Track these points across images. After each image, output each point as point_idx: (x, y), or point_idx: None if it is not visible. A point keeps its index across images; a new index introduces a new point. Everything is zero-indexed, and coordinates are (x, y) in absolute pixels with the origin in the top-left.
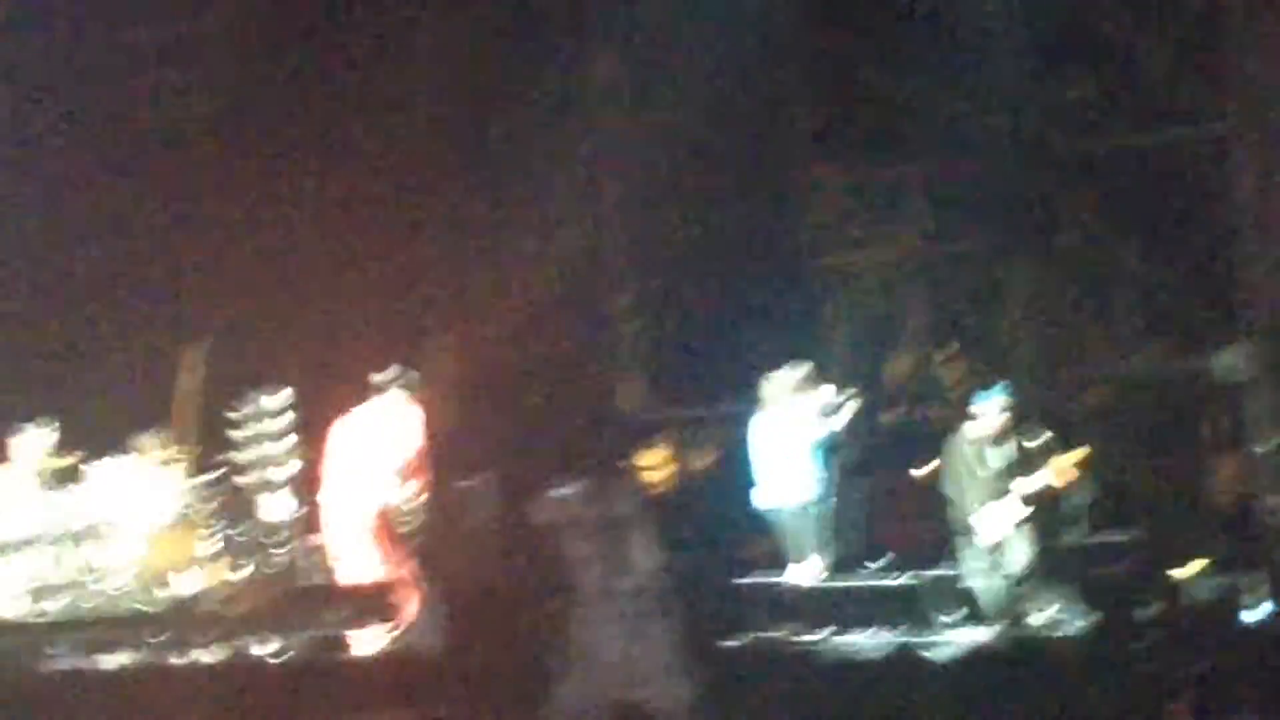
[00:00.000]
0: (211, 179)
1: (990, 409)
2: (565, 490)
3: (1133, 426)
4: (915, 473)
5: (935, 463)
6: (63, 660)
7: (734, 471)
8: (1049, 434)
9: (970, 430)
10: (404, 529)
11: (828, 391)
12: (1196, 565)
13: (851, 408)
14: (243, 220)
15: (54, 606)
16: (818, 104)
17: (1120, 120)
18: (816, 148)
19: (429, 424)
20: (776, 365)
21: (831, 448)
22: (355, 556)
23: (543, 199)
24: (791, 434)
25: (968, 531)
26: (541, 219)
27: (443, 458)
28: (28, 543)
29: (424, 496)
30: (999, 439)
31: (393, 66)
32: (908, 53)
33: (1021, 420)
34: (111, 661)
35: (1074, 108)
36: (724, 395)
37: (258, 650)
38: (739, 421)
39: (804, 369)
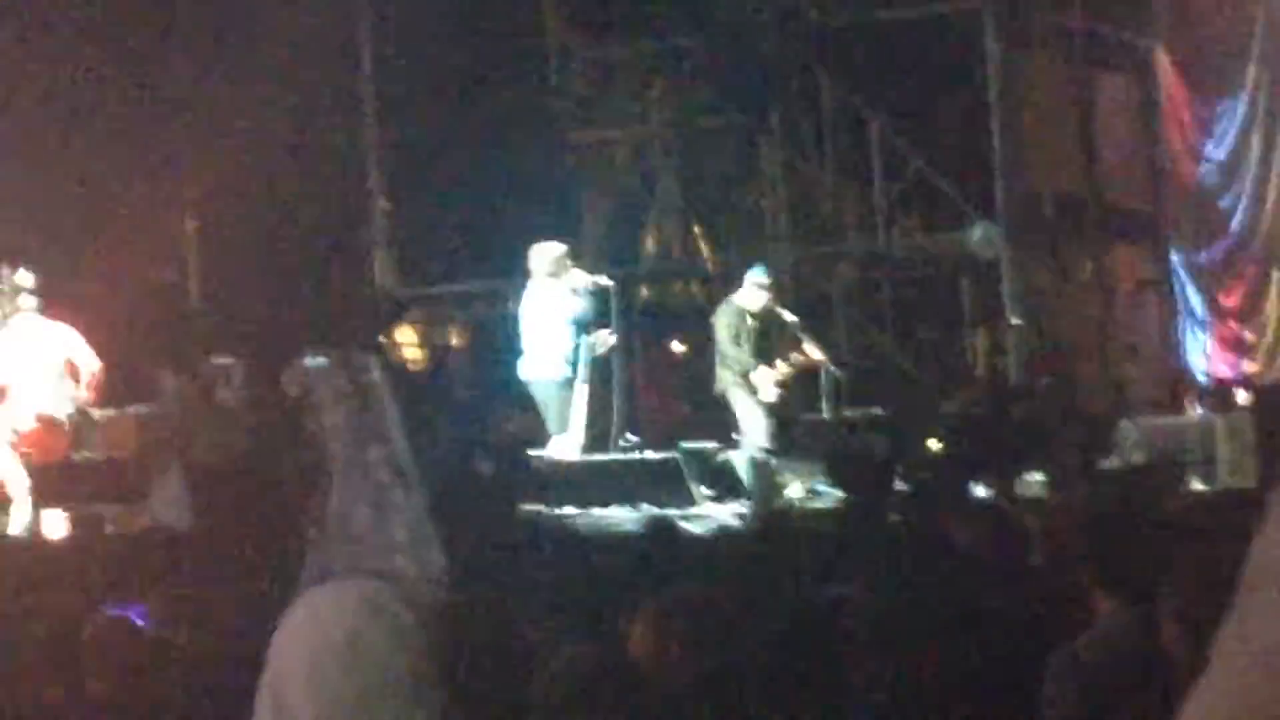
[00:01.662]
0: None
1: (751, 283)
2: (317, 361)
3: (883, 303)
4: (674, 347)
5: (689, 337)
6: None
7: (490, 347)
8: (793, 316)
9: (731, 304)
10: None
11: (581, 272)
12: (938, 441)
13: (598, 287)
14: None
15: None
16: None
17: None
18: (571, 20)
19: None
20: (533, 241)
21: (587, 323)
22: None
23: (298, 70)
24: (551, 309)
25: (728, 405)
26: (300, 93)
27: (195, 333)
28: None
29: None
30: (759, 314)
31: None
32: None
33: (768, 295)
34: None
35: None
36: (477, 271)
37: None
38: (493, 298)
39: (562, 246)
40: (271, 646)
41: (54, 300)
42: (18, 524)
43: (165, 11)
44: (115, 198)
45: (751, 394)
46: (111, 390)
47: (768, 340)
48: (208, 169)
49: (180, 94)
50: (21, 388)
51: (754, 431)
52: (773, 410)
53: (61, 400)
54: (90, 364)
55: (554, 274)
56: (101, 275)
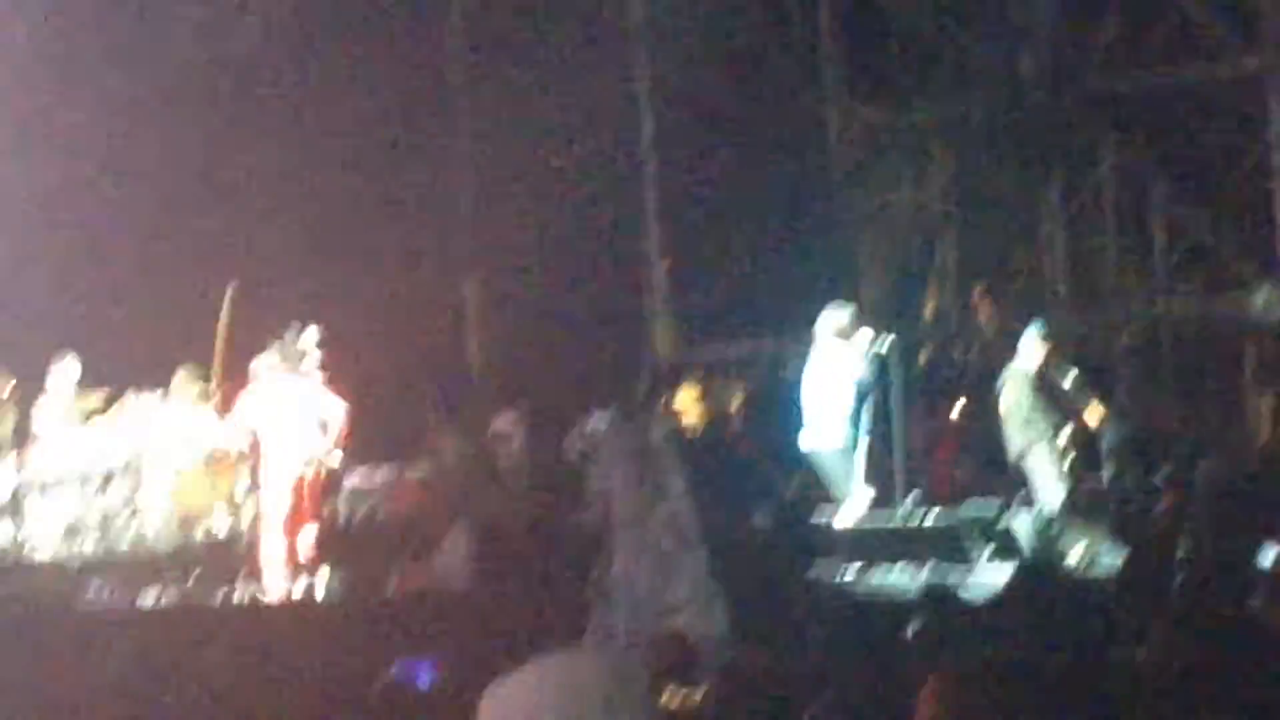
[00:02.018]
0: (252, 118)
1: (1031, 345)
2: (599, 423)
3: (1167, 366)
4: (955, 411)
5: (967, 400)
6: (97, 599)
7: (770, 410)
8: (1079, 373)
9: (1015, 367)
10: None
11: (866, 333)
12: (1229, 506)
13: (890, 349)
14: (281, 160)
15: (88, 545)
16: (851, 44)
17: (1156, 56)
18: (850, 88)
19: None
20: (811, 305)
21: (870, 389)
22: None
23: (579, 139)
24: (836, 373)
25: (1018, 469)
26: (580, 157)
27: (477, 395)
28: (61, 481)
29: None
30: (1040, 376)
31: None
32: None
33: (1049, 359)
34: (146, 600)
35: (1109, 44)
36: (756, 334)
37: (291, 590)
38: (772, 361)
39: (848, 310)
40: (497, 705)
41: (336, 362)
42: (276, 586)
43: (442, 74)
44: (398, 262)
45: (1048, 458)
46: (394, 452)
47: (1050, 403)
48: (490, 233)
49: (463, 158)
50: (273, 443)
51: (1048, 495)
52: (1066, 474)
53: (310, 456)
54: (339, 420)
55: (841, 337)
56: (384, 337)
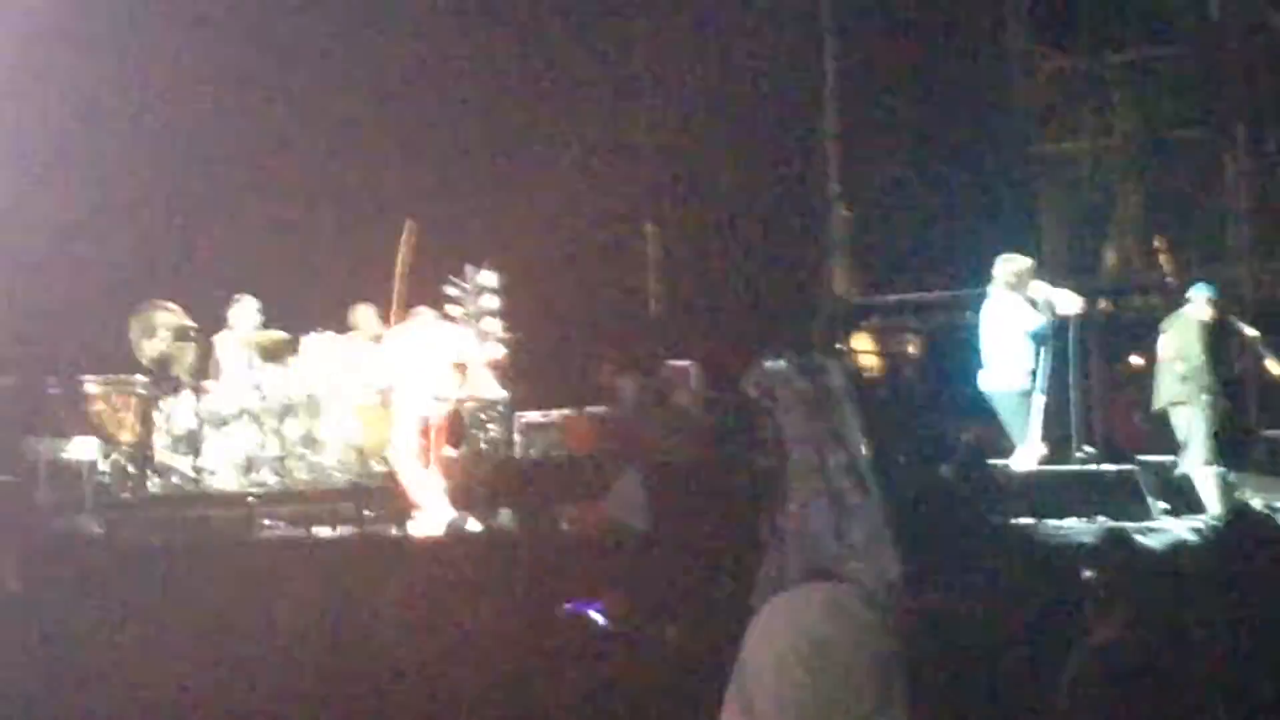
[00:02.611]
0: (430, 58)
1: (1201, 299)
2: (776, 365)
3: None
4: (1133, 360)
5: (1148, 351)
6: (275, 531)
7: (947, 355)
8: (1254, 330)
9: (1182, 319)
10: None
11: (1044, 284)
12: None
13: (1070, 298)
14: (461, 100)
15: (267, 478)
16: None
17: None
18: (1035, 31)
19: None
20: (991, 252)
21: (1047, 338)
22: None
23: (760, 77)
24: (1012, 321)
25: (1190, 419)
26: (761, 102)
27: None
28: (241, 415)
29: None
30: (1208, 329)
31: None
32: None
33: (1229, 310)
34: (324, 533)
35: None
36: (935, 280)
37: (466, 525)
38: (950, 307)
39: (1025, 261)
40: (743, 650)
41: (516, 302)
42: (435, 523)
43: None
44: (579, 201)
45: (1205, 410)
46: (571, 390)
47: (1218, 355)
48: (669, 175)
49: (643, 103)
50: (411, 384)
51: (1200, 448)
52: (1224, 426)
53: (445, 396)
54: (477, 361)
55: (1017, 286)
56: (562, 278)
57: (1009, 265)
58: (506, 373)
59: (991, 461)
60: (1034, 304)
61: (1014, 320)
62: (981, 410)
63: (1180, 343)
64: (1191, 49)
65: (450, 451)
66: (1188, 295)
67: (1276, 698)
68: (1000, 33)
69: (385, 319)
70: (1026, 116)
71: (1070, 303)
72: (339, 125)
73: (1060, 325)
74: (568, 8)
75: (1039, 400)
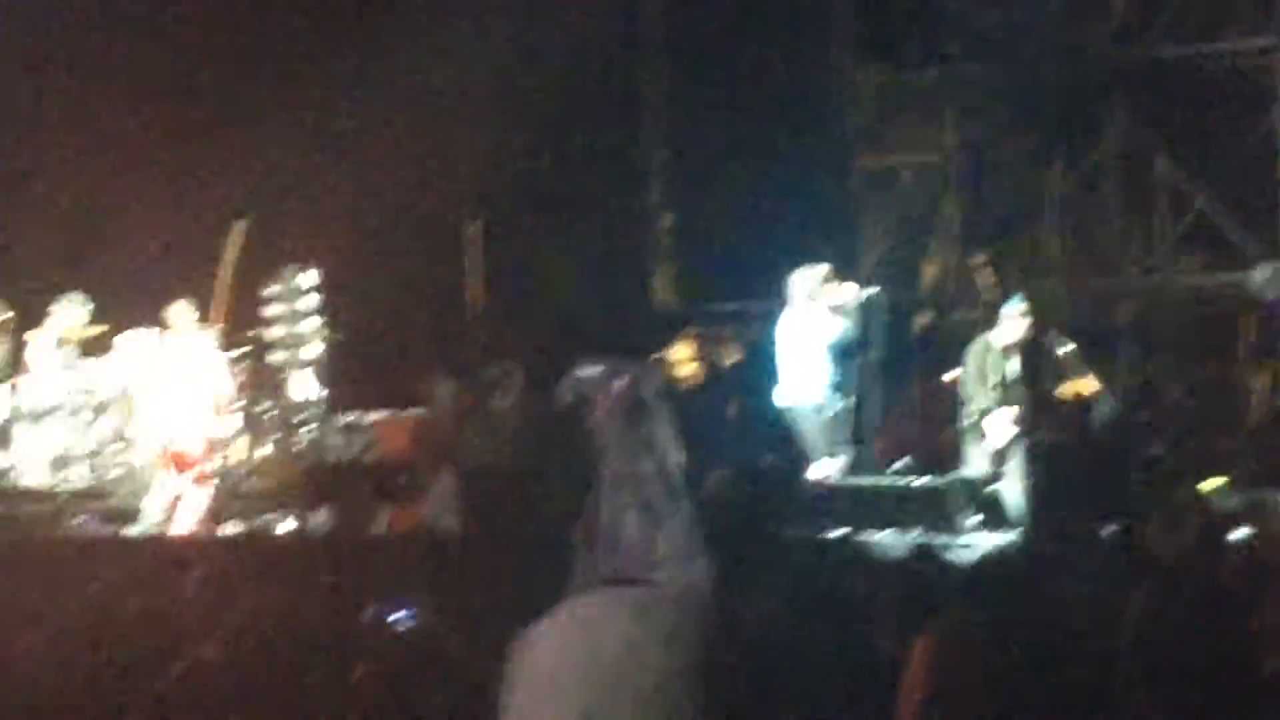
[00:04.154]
0: (251, 55)
1: (1013, 315)
2: (593, 371)
3: (1161, 340)
4: (945, 376)
5: (956, 371)
6: (84, 528)
7: (765, 366)
8: (1072, 344)
9: (993, 335)
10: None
11: (849, 289)
12: (1218, 480)
13: (873, 306)
14: (283, 99)
15: (76, 475)
16: (862, 3)
17: (1166, 27)
18: (862, 45)
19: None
20: (813, 262)
21: (852, 347)
22: None
23: (585, 79)
24: (811, 333)
25: (980, 435)
26: (587, 105)
27: (473, 341)
28: (52, 411)
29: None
30: (1019, 345)
31: None
32: None
33: (1048, 328)
34: (132, 531)
35: (1120, 13)
36: (755, 292)
37: (279, 526)
38: (769, 318)
39: (826, 267)
40: (529, 652)
41: (336, 302)
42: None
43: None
44: (399, 201)
45: (984, 434)
46: (388, 393)
47: (1025, 374)
48: (493, 174)
49: (466, 98)
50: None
51: (1012, 461)
52: (1039, 441)
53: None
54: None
55: (814, 296)
56: (383, 279)
57: (805, 276)
58: (325, 373)
59: (804, 477)
60: (833, 313)
61: (813, 332)
62: (797, 421)
63: (995, 357)
64: (1013, 65)
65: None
66: (1003, 310)
67: (1085, 707)
68: (825, 45)
69: (205, 317)
70: (850, 129)
71: (847, 294)
72: (167, 121)
73: (864, 337)
74: (388, 7)
75: (842, 412)
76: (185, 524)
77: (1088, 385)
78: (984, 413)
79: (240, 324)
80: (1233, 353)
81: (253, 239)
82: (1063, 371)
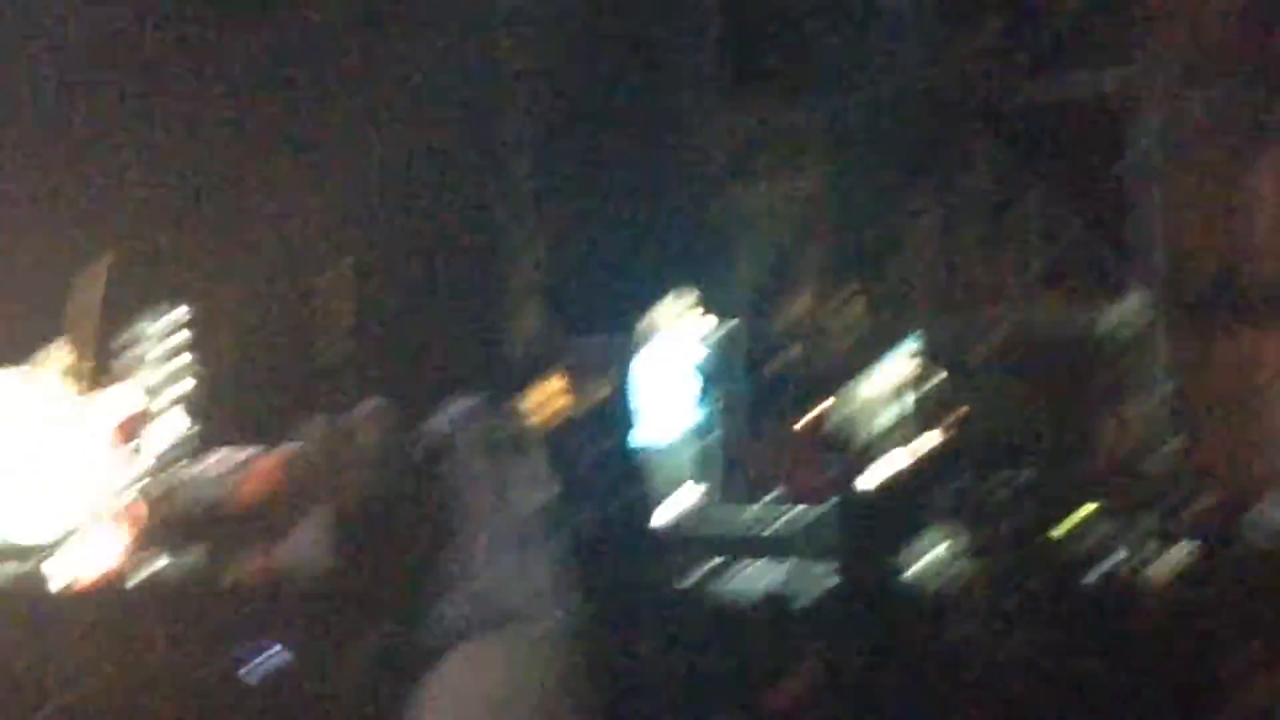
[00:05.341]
0: (111, 95)
1: (887, 349)
2: (461, 408)
3: (1028, 373)
4: (812, 413)
5: (825, 403)
6: None
7: (630, 402)
8: (941, 379)
9: (870, 374)
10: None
11: (709, 322)
12: (1083, 512)
13: (733, 341)
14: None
15: None
16: (723, 40)
17: (1031, 66)
18: (722, 82)
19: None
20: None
21: (715, 380)
22: None
23: (449, 124)
24: (676, 364)
25: (854, 474)
26: (451, 142)
27: (341, 380)
28: None
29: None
30: (899, 384)
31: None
32: None
33: (917, 362)
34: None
35: (986, 51)
36: (623, 326)
37: (143, 569)
38: (637, 352)
39: (687, 300)
40: (425, 697)
41: (206, 339)
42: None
43: (306, 52)
44: (271, 238)
45: (898, 460)
46: (252, 435)
47: (906, 410)
48: (362, 210)
49: (328, 143)
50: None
51: (896, 496)
52: (921, 477)
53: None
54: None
55: (676, 328)
56: (252, 315)
57: (668, 308)
58: (194, 411)
59: (669, 506)
60: (695, 346)
61: (676, 365)
62: (662, 455)
63: (859, 399)
64: (878, 101)
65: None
66: (881, 349)
67: None
68: (692, 78)
69: (81, 358)
70: (717, 163)
71: (708, 326)
72: (31, 158)
73: (726, 372)
74: (261, 49)
75: (708, 445)
76: (53, 567)
77: (955, 417)
78: (864, 450)
79: (109, 361)
80: (1100, 387)
81: (118, 276)
82: (931, 404)
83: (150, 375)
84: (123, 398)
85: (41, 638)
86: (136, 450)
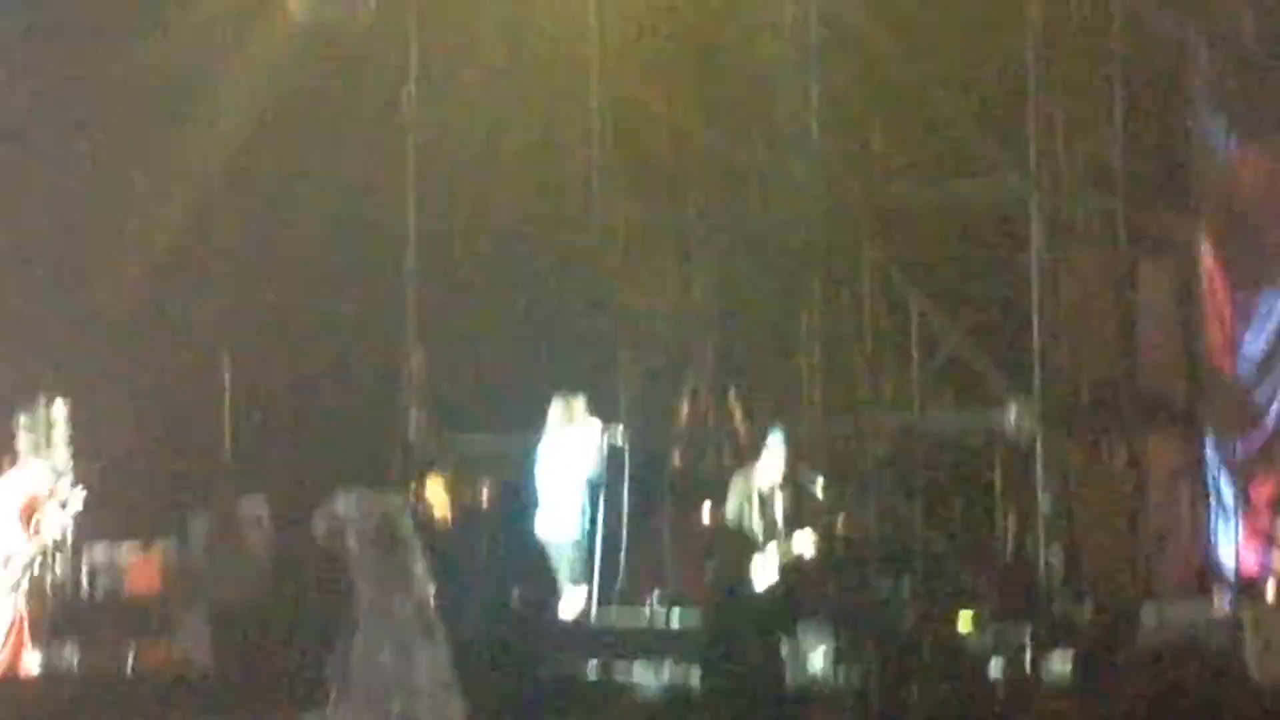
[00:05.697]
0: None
1: (770, 453)
2: (347, 504)
3: (917, 477)
4: (702, 512)
5: (711, 503)
6: None
7: (514, 501)
8: (824, 481)
9: (748, 473)
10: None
11: (594, 425)
12: (968, 616)
13: (615, 442)
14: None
15: None
16: (616, 144)
17: (922, 169)
18: (610, 185)
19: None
20: (561, 397)
21: (600, 482)
22: None
23: (340, 220)
24: (565, 463)
25: (742, 574)
26: (340, 239)
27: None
28: None
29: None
30: (777, 483)
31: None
32: (705, 96)
33: (800, 466)
34: None
35: (877, 154)
36: (510, 426)
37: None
38: (523, 454)
39: (578, 400)
40: None
41: (84, 434)
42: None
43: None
44: (151, 336)
45: (766, 562)
46: (139, 529)
47: (786, 510)
48: (243, 309)
49: (222, 234)
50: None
51: (773, 598)
52: (791, 579)
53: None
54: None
55: (568, 426)
56: (136, 410)
57: (559, 406)
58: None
59: (561, 607)
60: (583, 447)
61: (565, 464)
62: (548, 557)
63: (735, 505)
64: (770, 208)
65: None
66: (764, 445)
67: None
68: (583, 180)
69: None
70: (606, 266)
71: (593, 429)
72: None
73: (618, 471)
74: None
75: (596, 544)
76: None
77: (840, 522)
78: (746, 551)
79: None
80: (983, 490)
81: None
82: (816, 508)
83: (34, 467)
84: (23, 479)
85: None
86: (36, 532)
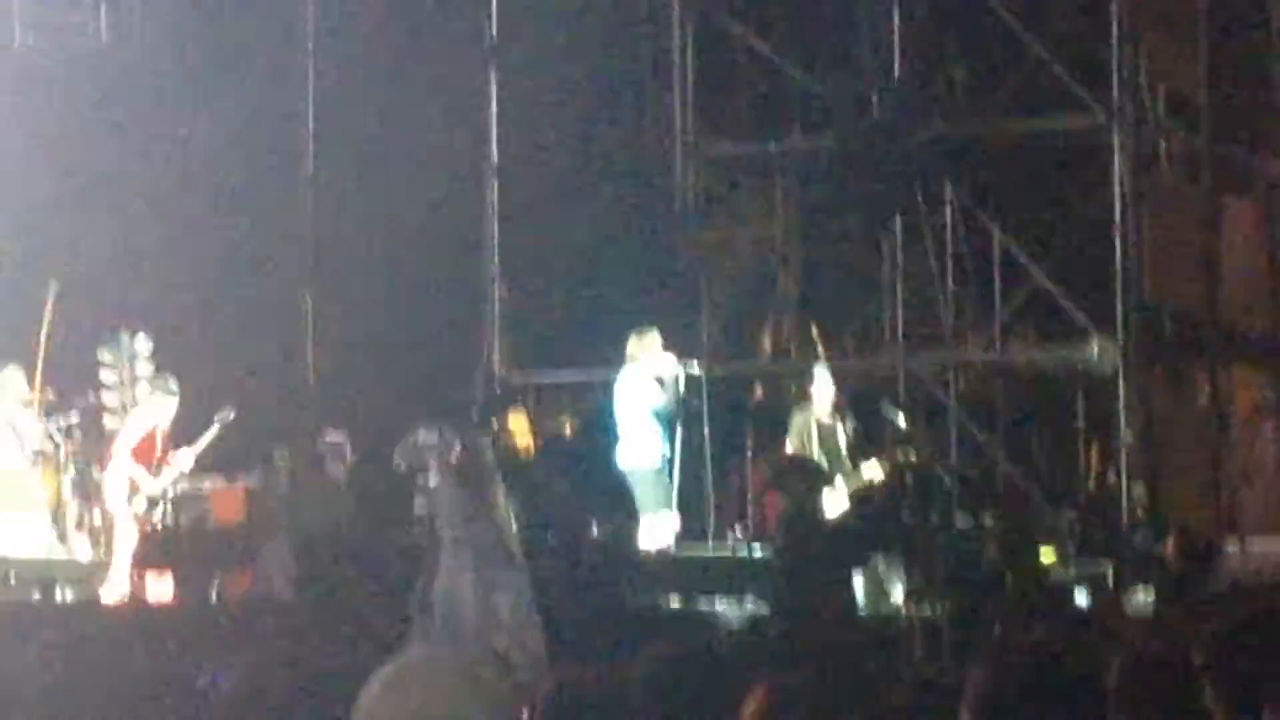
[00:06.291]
0: (85, 118)
1: (819, 385)
2: (428, 438)
3: (997, 412)
4: (783, 445)
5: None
6: None
7: (600, 435)
8: (905, 418)
9: (804, 409)
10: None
11: (669, 360)
12: (1050, 553)
13: (694, 378)
14: (117, 162)
15: None
16: (699, 77)
17: (1002, 104)
18: (697, 120)
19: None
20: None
21: (681, 415)
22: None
23: (420, 152)
24: (641, 396)
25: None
26: (422, 174)
27: (309, 408)
28: None
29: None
30: (834, 416)
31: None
32: (788, 29)
33: (882, 400)
34: None
35: (956, 89)
36: (591, 361)
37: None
38: (605, 388)
39: (655, 333)
40: (360, 710)
41: (169, 369)
42: (119, 585)
43: (287, 80)
44: (235, 270)
45: (834, 496)
46: (224, 460)
47: (862, 442)
48: (326, 246)
49: (306, 169)
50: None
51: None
52: (861, 515)
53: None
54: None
55: (642, 361)
56: (217, 345)
57: (636, 341)
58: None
59: (641, 540)
60: (660, 381)
61: (640, 396)
62: (631, 489)
63: (796, 436)
64: (853, 140)
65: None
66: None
67: None
68: (662, 117)
69: (31, 384)
70: (688, 200)
71: (668, 364)
72: None
73: (696, 403)
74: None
75: (670, 475)
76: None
77: (921, 455)
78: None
79: (71, 390)
80: (1067, 426)
81: (86, 304)
82: (892, 444)
83: (117, 403)
84: (145, 416)
85: (18, 650)
86: (157, 470)
